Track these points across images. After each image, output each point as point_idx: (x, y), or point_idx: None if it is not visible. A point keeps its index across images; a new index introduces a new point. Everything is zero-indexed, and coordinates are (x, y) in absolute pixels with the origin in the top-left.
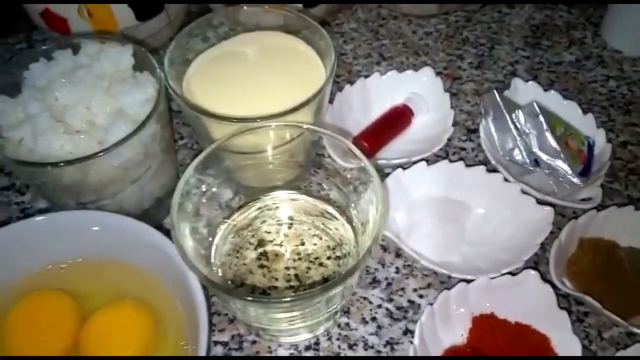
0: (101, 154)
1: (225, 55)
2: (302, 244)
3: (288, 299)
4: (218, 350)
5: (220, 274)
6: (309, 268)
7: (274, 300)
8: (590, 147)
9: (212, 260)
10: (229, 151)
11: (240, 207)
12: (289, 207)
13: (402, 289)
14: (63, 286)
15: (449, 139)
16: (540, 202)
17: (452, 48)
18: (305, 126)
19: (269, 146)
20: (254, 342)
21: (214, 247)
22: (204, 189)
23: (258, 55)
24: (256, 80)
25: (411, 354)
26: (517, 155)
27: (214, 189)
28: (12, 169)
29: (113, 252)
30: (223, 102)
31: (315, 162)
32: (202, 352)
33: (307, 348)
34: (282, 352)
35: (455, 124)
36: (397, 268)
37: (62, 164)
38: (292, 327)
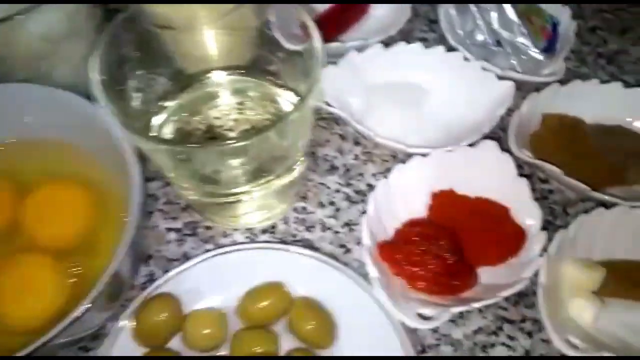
0: (20, 15)
1: None
2: (253, 128)
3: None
4: (172, 237)
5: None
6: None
7: (221, 144)
8: (555, 26)
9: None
10: (156, 25)
11: (182, 89)
12: (238, 91)
13: (361, 174)
14: None
15: (411, 31)
16: (502, 78)
17: None
18: None
19: (206, 17)
20: (208, 227)
21: (157, 119)
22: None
23: None
24: None
25: (363, 225)
26: (478, 35)
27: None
28: None
29: (48, 131)
30: None
31: (263, 39)
32: (134, 221)
33: (264, 231)
34: (238, 237)
35: (417, 15)
36: (355, 155)
37: None
38: (246, 208)
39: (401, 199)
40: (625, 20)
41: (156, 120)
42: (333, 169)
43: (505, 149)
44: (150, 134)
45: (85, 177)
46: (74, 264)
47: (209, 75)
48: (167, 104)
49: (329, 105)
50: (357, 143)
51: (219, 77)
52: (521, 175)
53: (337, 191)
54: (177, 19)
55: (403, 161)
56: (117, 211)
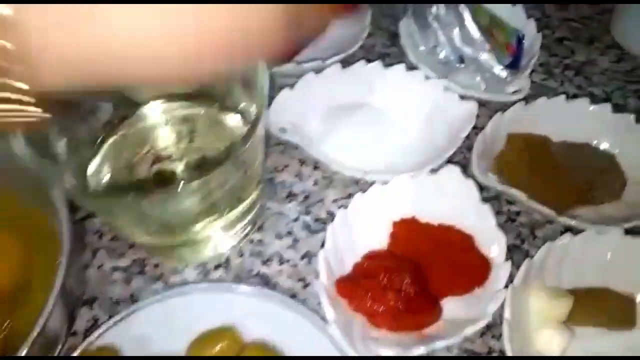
0: None
1: None
2: (204, 160)
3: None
4: (117, 276)
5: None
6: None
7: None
8: (520, 40)
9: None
10: None
11: (125, 117)
12: (185, 119)
13: (321, 200)
14: None
15: (372, 45)
16: (465, 98)
17: None
18: None
19: None
20: (156, 265)
21: (94, 163)
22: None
23: None
24: None
25: (320, 260)
26: (440, 52)
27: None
28: None
29: None
30: None
31: None
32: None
33: (217, 267)
34: (190, 273)
35: (379, 28)
36: (315, 180)
37: None
38: (199, 245)
39: (361, 230)
40: (593, 29)
41: (95, 159)
42: (292, 195)
43: (469, 173)
44: (89, 175)
45: (11, 218)
46: (2, 317)
47: (150, 104)
48: (108, 138)
49: (283, 131)
50: (316, 167)
51: (162, 106)
52: (487, 198)
53: (296, 220)
54: None
55: (363, 189)
56: (49, 254)
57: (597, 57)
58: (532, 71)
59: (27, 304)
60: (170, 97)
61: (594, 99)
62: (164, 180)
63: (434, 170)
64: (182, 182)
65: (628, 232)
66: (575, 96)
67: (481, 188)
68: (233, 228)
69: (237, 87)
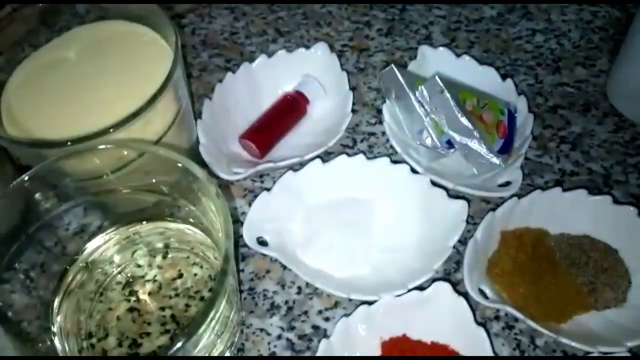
0: None
1: (47, 63)
2: (180, 276)
3: None
4: None
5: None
6: (187, 305)
7: None
8: (512, 114)
9: (56, 309)
10: (64, 175)
11: (91, 238)
12: (161, 235)
13: (305, 312)
14: None
15: (357, 124)
16: (454, 194)
17: (358, 14)
18: (142, 146)
19: (107, 170)
20: None
21: (59, 295)
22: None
23: (83, 56)
24: (85, 88)
25: None
26: (427, 137)
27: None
28: None
29: None
30: (49, 123)
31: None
32: None
33: None
34: None
35: (363, 105)
36: (299, 288)
37: None
38: None
39: (347, 354)
40: (588, 94)
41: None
42: (274, 307)
43: (461, 288)
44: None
45: None
46: None
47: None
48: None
49: (263, 244)
50: None
51: (126, 227)
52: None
53: (279, 337)
54: (83, 171)
55: (347, 313)
56: None
57: (594, 126)
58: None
59: None
60: (138, 214)
61: (593, 182)
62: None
63: (422, 288)
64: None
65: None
66: (572, 174)
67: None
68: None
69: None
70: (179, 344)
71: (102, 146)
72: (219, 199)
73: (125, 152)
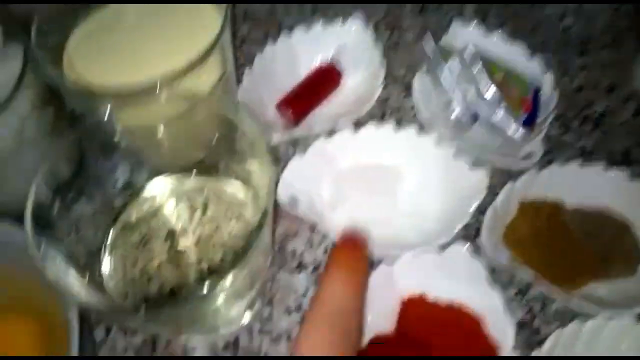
0: None
1: (108, 21)
2: (218, 230)
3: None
4: (130, 354)
5: (114, 278)
6: (223, 259)
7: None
8: (536, 94)
9: (105, 261)
10: (116, 126)
11: (138, 193)
12: (202, 191)
13: None
14: None
15: (386, 99)
16: (476, 164)
17: None
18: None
19: (160, 121)
20: (168, 342)
21: (107, 245)
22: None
23: (141, 15)
24: (141, 45)
25: None
26: (454, 109)
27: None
28: None
29: None
30: (105, 75)
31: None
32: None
33: (225, 347)
34: (200, 352)
35: (393, 80)
36: (325, 248)
37: None
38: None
39: (369, 310)
40: (614, 76)
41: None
42: (301, 266)
43: (478, 250)
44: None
45: (27, 304)
46: None
47: (159, 178)
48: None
49: (294, 203)
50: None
51: (171, 178)
52: (497, 269)
53: (305, 293)
54: (135, 122)
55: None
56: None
57: (617, 108)
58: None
59: None
60: (181, 168)
61: (611, 160)
62: (178, 257)
63: (442, 247)
64: (207, 283)
65: None
66: (592, 152)
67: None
68: (243, 304)
69: (245, 157)
70: (207, 284)
71: (156, 95)
72: (268, 153)
73: (178, 103)
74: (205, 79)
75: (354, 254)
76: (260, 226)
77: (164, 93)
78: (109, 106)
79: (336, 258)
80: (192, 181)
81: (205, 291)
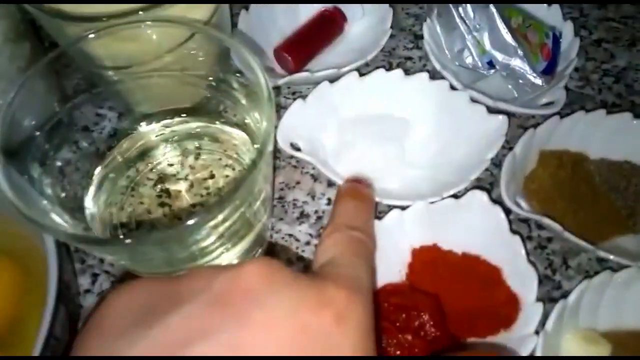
0: None
1: None
2: (212, 176)
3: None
4: None
5: (99, 220)
6: None
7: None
8: (556, 39)
9: (88, 204)
10: (95, 65)
11: (128, 135)
12: (195, 135)
13: None
14: None
15: (393, 48)
16: (493, 111)
17: None
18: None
19: (150, 55)
20: None
21: (92, 187)
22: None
23: None
24: None
25: None
26: (468, 57)
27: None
28: None
29: None
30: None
31: (222, 79)
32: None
33: None
34: None
35: (401, 29)
36: (328, 199)
37: None
38: None
39: (378, 259)
40: (635, 29)
41: (92, 183)
42: (303, 216)
43: (497, 198)
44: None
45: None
46: None
47: (146, 123)
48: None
49: (295, 148)
50: (330, 184)
51: (164, 122)
52: (516, 221)
53: (307, 243)
54: (121, 56)
55: (380, 213)
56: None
57: (639, 61)
58: (569, 77)
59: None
60: (173, 112)
61: (636, 110)
62: (169, 202)
63: (457, 196)
64: (196, 219)
65: None
66: (614, 105)
67: (510, 212)
68: (240, 254)
69: (242, 101)
70: (196, 217)
71: (143, 23)
72: (267, 93)
73: (170, 32)
74: (197, 10)
75: (362, 188)
76: (254, 164)
77: (148, 24)
78: (89, 37)
79: (345, 191)
80: (184, 127)
81: (192, 222)
